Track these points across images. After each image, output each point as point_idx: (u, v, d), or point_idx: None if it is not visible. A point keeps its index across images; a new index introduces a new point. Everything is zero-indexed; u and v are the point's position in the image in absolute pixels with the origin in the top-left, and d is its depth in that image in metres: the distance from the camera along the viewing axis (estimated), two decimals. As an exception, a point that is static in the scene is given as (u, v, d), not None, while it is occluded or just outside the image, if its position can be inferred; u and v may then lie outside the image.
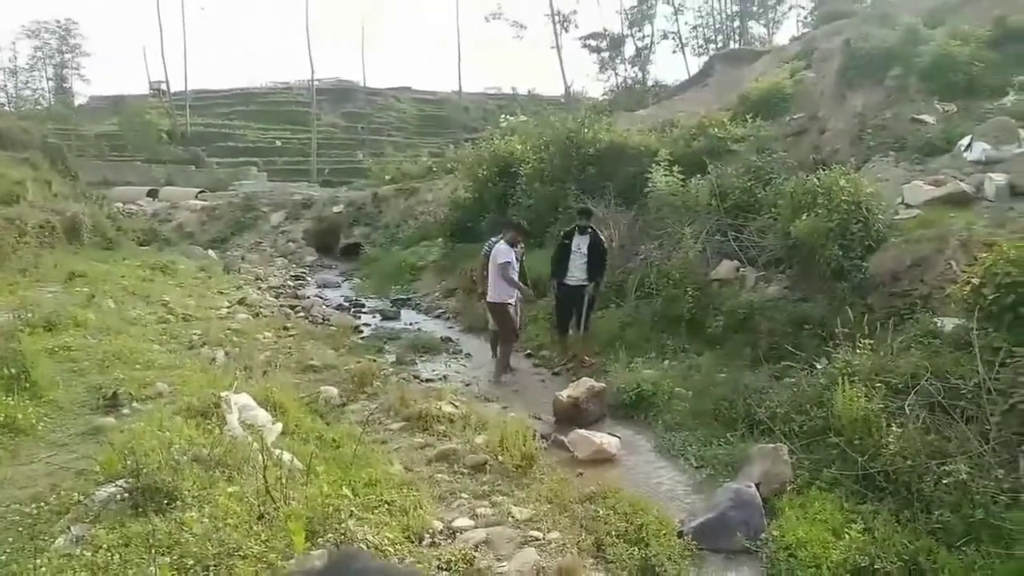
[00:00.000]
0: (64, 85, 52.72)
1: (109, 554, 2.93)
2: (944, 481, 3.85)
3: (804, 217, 7.09)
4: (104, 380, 5.87)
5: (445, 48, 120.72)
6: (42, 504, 3.51)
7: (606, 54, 44.02)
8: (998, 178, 7.40)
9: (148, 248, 16.92)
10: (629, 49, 43.98)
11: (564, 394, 6.42)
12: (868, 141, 10.11)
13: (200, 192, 27.68)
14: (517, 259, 8.11)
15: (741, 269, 8.25)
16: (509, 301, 8.02)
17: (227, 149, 39.42)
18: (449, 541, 3.81)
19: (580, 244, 8.07)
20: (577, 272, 8.02)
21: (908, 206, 7.73)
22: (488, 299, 8.18)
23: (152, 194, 27.12)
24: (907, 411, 4.52)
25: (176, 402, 5.23)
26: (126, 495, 3.46)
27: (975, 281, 5.14)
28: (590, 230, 8.18)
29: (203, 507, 3.32)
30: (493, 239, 8.49)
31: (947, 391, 4.54)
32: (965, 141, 8.66)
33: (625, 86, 42.32)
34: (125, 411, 5.34)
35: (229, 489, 3.53)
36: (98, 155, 32.92)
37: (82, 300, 8.83)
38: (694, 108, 15.87)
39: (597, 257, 8.06)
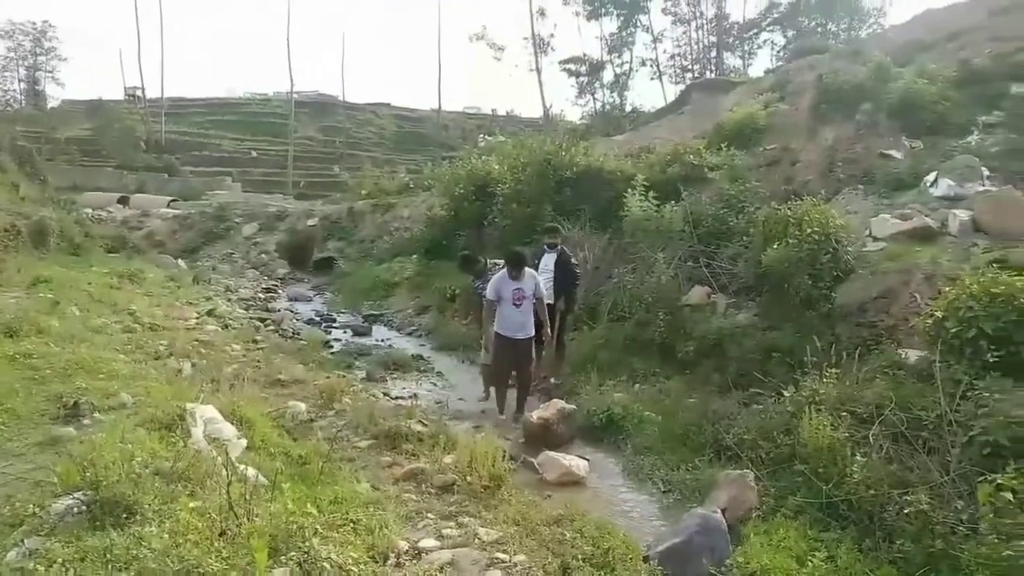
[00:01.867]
0: (37, 88, 51.91)
1: (64, 569, 2.84)
2: (906, 511, 3.91)
3: (775, 246, 7.20)
4: (66, 389, 5.72)
5: (426, 66, 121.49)
6: (-5, 516, 3.40)
7: (585, 79, 44.63)
8: (962, 214, 7.61)
9: (117, 256, 16.61)
10: (608, 75, 44.67)
11: (534, 415, 6.41)
12: (838, 174, 10.35)
13: (172, 200, 27.36)
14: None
15: (712, 295, 8.35)
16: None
17: (202, 158, 39.09)
18: (414, 562, 3.76)
19: (547, 262, 8.07)
20: (545, 291, 7.93)
21: (875, 239, 7.90)
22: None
23: (123, 201, 26.74)
24: (871, 441, 4.60)
25: (139, 413, 5.12)
26: (84, 508, 3.37)
27: (938, 314, 5.26)
28: (558, 248, 8.19)
29: (163, 522, 3.24)
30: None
31: (910, 422, 4.63)
32: (931, 177, 8.90)
33: (603, 111, 42.86)
34: (86, 422, 5.21)
35: (191, 504, 3.45)
36: (69, 159, 32.40)
37: (46, 307, 8.63)
38: (670, 135, 16.11)
39: (564, 274, 8.02)
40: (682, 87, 35.75)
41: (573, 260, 8.43)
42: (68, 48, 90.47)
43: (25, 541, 3.14)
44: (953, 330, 5.04)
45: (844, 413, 4.86)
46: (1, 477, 4.10)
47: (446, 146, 42.30)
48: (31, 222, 13.21)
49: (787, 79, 16.77)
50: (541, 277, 7.84)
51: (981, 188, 8.25)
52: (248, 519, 3.31)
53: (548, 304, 7.80)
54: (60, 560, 2.91)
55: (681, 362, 7.56)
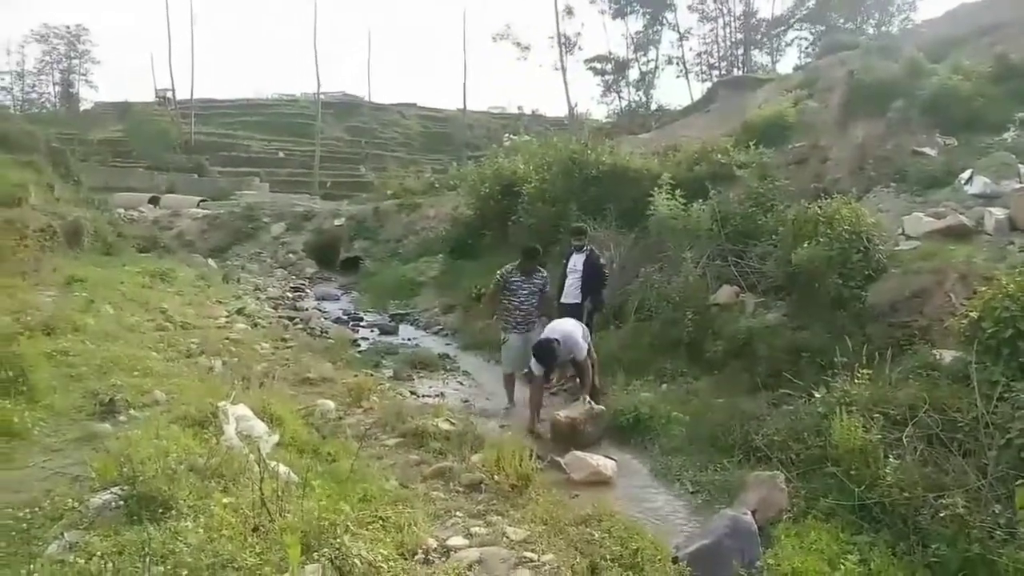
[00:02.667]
0: (71, 90, 53.05)
1: (102, 562, 2.90)
2: (941, 514, 3.83)
3: (805, 245, 7.12)
4: (101, 386, 5.85)
5: (451, 66, 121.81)
6: (36, 509, 3.48)
7: (610, 77, 44.52)
8: (998, 212, 7.45)
9: (148, 255, 16.91)
10: (633, 73, 44.50)
11: (562, 415, 6.40)
12: (869, 171, 10.19)
13: (202, 201, 27.76)
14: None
15: (741, 295, 8.26)
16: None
17: (230, 159, 39.65)
18: (443, 559, 3.78)
19: (576, 263, 7.99)
20: (572, 291, 7.92)
21: (908, 237, 7.77)
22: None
23: (154, 201, 27.20)
24: (905, 443, 4.51)
25: (173, 410, 5.22)
26: (121, 503, 3.44)
27: (974, 314, 5.16)
28: (587, 249, 8.11)
29: (198, 517, 3.30)
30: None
31: (945, 424, 4.54)
32: (966, 175, 8.73)
33: (628, 109, 42.68)
34: (122, 418, 5.32)
35: (224, 500, 3.51)
36: (101, 160, 33.03)
37: (81, 305, 8.82)
38: (697, 133, 15.98)
39: (593, 274, 7.92)
40: (709, 85, 35.54)
41: (601, 260, 8.37)
42: (101, 51, 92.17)
43: (65, 534, 3.21)
44: (989, 331, 4.93)
45: (876, 415, 4.77)
46: (40, 471, 4.21)
47: (471, 146, 42.44)
48: (66, 222, 13.49)
49: (816, 76, 16.57)
50: (569, 277, 7.88)
51: (1018, 186, 8.07)
52: (280, 515, 3.35)
53: (573, 305, 7.76)
54: (99, 553, 2.96)
55: (709, 362, 7.50)
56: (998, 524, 3.67)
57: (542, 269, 7.67)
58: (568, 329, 6.75)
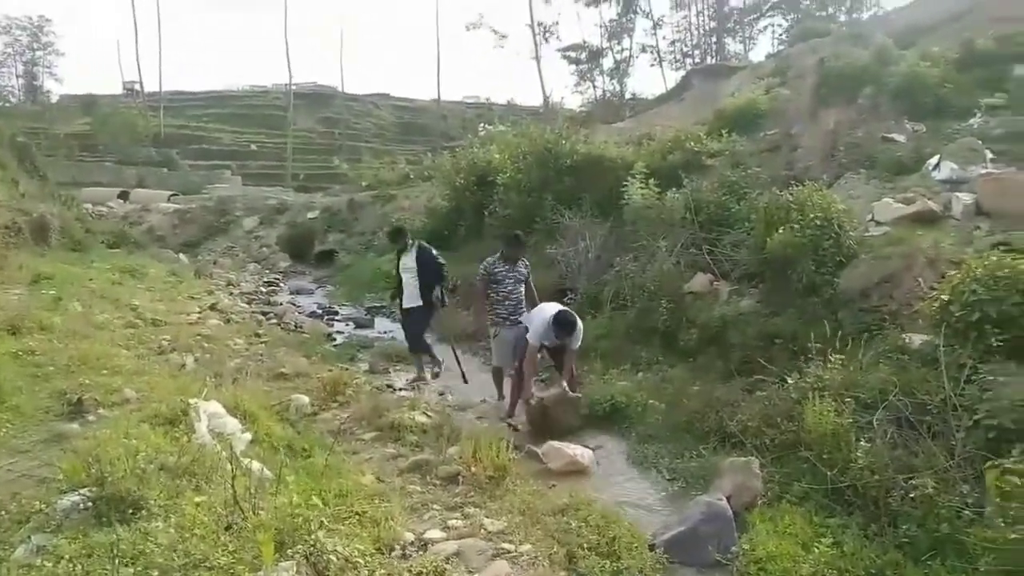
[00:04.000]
0: (34, 83, 51.83)
1: (71, 564, 2.84)
2: (911, 496, 3.90)
3: (777, 232, 7.17)
4: (69, 385, 5.72)
5: (424, 56, 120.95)
6: (2, 512, 3.41)
7: (585, 66, 44.49)
8: (965, 197, 7.57)
9: (118, 251, 16.61)
10: (608, 62, 44.51)
11: (534, 397, 6.36)
12: (840, 158, 10.28)
13: (172, 195, 27.34)
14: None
15: (715, 283, 8.31)
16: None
17: (201, 152, 39.03)
18: (420, 553, 3.77)
19: (407, 261, 8.10)
20: (412, 293, 8.04)
21: (878, 223, 7.86)
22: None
23: (123, 196, 26.74)
24: (875, 426, 4.58)
25: (143, 409, 5.12)
26: (89, 504, 3.37)
27: (944, 298, 5.24)
28: (414, 245, 8.21)
29: (169, 517, 3.25)
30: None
31: (914, 407, 4.61)
32: (933, 161, 8.85)
33: (603, 98, 42.71)
34: (90, 418, 5.22)
35: (196, 499, 3.46)
36: (68, 155, 32.35)
37: (48, 303, 8.64)
38: (671, 122, 16.05)
39: (429, 270, 7.97)
40: (683, 73, 35.64)
41: (434, 253, 8.14)
42: (65, 43, 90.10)
43: (32, 538, 3.15)
44: (958, 314, 5.01)
45: (848, 399, 4.83)
46: (6, 474, 4.11)
47: (446, 136, 42.19)
48: (32, 218, 13.19)
49: (788, 63, 16.72)
50: (404, 276, 8.13)
51: (984, 171, 8.20)
52: (254, 513, 3.31)
53: (416, 306, 8.02)
54: (67, 556, 2.91)
55: (684, 350, 7.55)
56: (966, 504, 3.74)
57: (524, 258, 7.43)
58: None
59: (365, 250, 19.16)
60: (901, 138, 10.21)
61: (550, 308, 6.57)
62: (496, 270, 7.13)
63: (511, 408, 6.73)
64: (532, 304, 7.22)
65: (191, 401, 4.78)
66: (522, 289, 7.23)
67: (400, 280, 8.07)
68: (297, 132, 42.72)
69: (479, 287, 7.29)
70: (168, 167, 34.63)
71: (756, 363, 6.21)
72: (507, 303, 7.11)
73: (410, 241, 8.26)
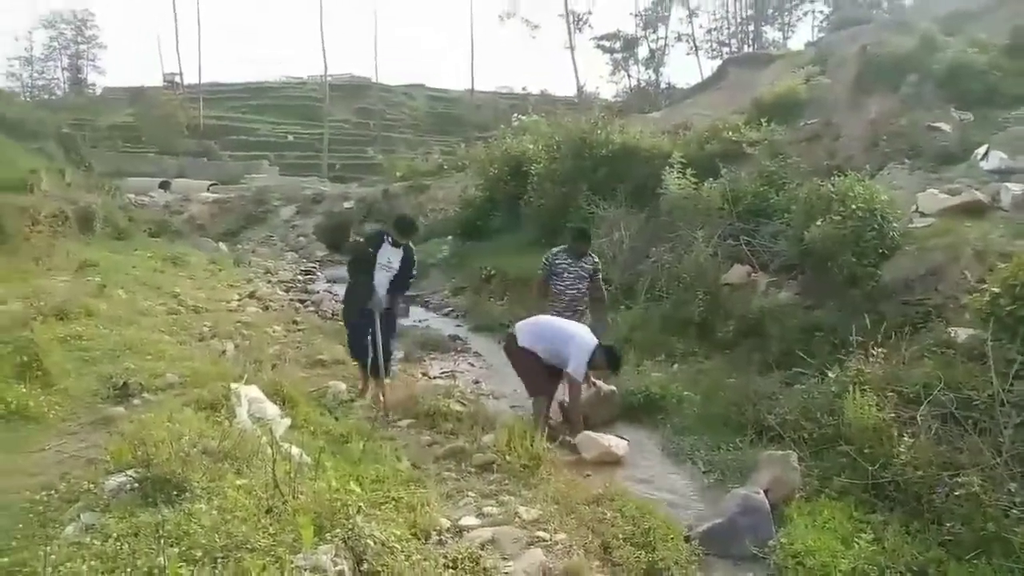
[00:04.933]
0: (79, 76, 53.05)
1: (119, 543, 2.92)
2: (956, 493, 3.81)
3: (818, 223, 7.04)
4: (115, 370, 5.89)
5: (458, 46, 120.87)
6: (52, 492, 3.52)
7: (619, 55, 44.11)
8: (1015, 188, 7.33)
9: (159, 240, 17.01)
10: (643, 51, 44.04)
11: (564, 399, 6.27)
12: (883, 148, 10.05)
13: (212, 185, 27.84)
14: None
15: (752, 274, 8.20)
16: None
17: (239, 143, 39.63)
18: (456, 539, 3.80)
19: (392, 258, 6.59)
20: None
21: (923, 214, 7.67)
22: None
23: (164, 186, 27.30)
24: (919, 421, 4.48)
25: (186, 393, 5.25)
26: (136, 485, 3.46)
27: (993, 291, 5.09)
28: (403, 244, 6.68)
29: (212, 499, 3.32)
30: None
31: (960, 402, 4.49)
32: (981, 150, 8.60)
33: (638, 88, 42.30)
34: (135, 401, 5.36)
35: (238, 482, 3.52)
36: (111, 146, 33.10)
37: (94, 290, 8.88)
38: (707, 111, 15.83)
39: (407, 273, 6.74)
40: (719, 62, 35.06)
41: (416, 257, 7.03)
42: (107, 36, 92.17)
43: (81, 516, 3.24)
44: (1008, 308, 4.86)
45: (890, 393, 4.73)
46: (56, 455, 4.25)
47: (480, 127, 42.14)
48: (77, 208, 13.56)
49: (828, 51, 16.33)
50: (379, 275, 6.59)
51: (1035, 161, 7.95)
52: (293, 496, 3.37)
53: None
54: (115, 535, 2.99)
55: (720, 342, 7.47)
56: (1014, 503, 3.64)
57: (592, 254, 7.04)
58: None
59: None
60: (947, 127, 9.94)
61: (587, 335, 5.93)
62: (558, 262, 6.81)
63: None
64: (598, 303, 6.92)
65: (232, 386, 4.87)
66: (583, 286, 6.83)
67: (363, 276, 6.53)
68: (333, 123, 43.11)
69: (539, 278, 6.98)
70: (207, 157, 35.26)
71: (795, 356, 6.12)
72: (563, 297, 6.78)
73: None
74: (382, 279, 6.50)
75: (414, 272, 6.95)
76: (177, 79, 46.55)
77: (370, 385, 6.58)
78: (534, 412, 5.89)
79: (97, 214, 14.19)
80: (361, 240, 6.62)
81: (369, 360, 6.38)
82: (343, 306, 6.75)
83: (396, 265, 6.54)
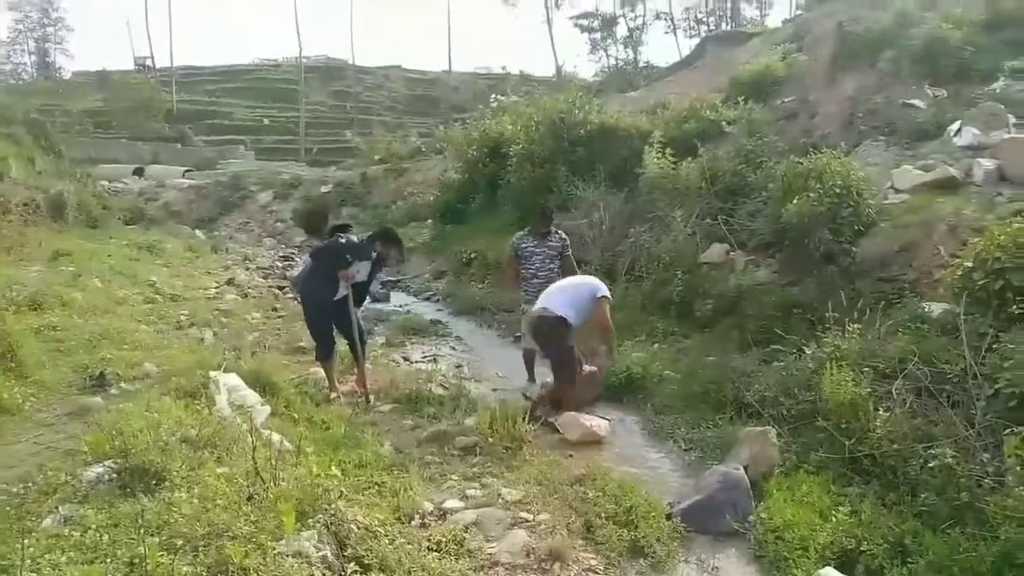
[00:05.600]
0: (46, 59, 51.89)
1: (98, 534, 2.91)
2: (930, 465, 3.88)
3: (795, 201, 7.09)
4: (91, 360, 5.83)
5: (435, 27, 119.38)
6: (29, 484, 3.49)
7: (598, 34, 43.89)
8: (987, 163, 7.43)
9: (134, 227, 16.78)
10: (621, 30, 43.87)
11: (549, 381, 6.31)
12: (859, 125, 10.11)
13: (187, 171, 27.43)
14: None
15: (731, 253, 8.26)
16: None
17: (214, 127, 39.01)
18: (439, 522, 3.81)
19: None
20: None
21: (897, 191, 7.75)
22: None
23: (138, 172, 26.84)
24: (894, 395, 4.55)
25: (164, 382, 5.21)
26: (114, 475, 3.44)
27: (966, 265, 5.17)
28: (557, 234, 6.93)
29: (192, 488, 3.30)
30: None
31: (934, 376, 4.57)
32: (955, 126, 8.68)
33: (616, 67, 42.16)
34: (113, 391, 5.32)
35: (218, 470, 3.51)
36: (82, 132, 32.45)
37: (67, 279, 8.76)
38: (685, 90, 15.79)
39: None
40: (697, 40, 35.04)
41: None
42: (74, 18, 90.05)
43: (60, 508, 3.21)
44: (980, 282, 4.95)
45: (866, 368, 4.80)
46: (32, 447, 4.20)
47: (458, 108, 41.85)
48: (48, 196, 13.32)
49: (805, 28, 16.36)
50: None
51: (1007, 136, 8.03)
52: (274, 483, 3.36)
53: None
54: (94, 526, 2.97)
55: (700, 321, 7.52)
56: (986, 472, 3.71)
57: (559, 231, 6.96)
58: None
59: (379, 224, 19.15)
60: (922, 104, 10.01)
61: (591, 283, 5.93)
62: (523, 246, 6.78)
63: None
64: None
65: (211, 374, 4.84)
66: (555, 266, 6.74)
67: (325, 273, 6.02)
68: (309, 106, 42.58)
69: (508, 263, 6.94)
70: (182, 143, 34.68)
71: (773, 333, 6.17)
72: (535, 280, 6.66)
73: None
74: (344, 285, 6.04)
75: (566, 252, 6.84)
76: (148, 62, 45.69)
77: (342, 382, 6.32)
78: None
79: (69, 202, 13.95)
80: (344, 241, 6.11)
81: (336, 352, 6.16)
82: (306, 304, 6.18)
83: (365, 275, 6.21)
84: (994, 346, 4.53)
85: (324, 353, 6.11)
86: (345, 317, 6.00)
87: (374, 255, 6.18)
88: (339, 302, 5.99)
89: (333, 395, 5.99)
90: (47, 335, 6.40)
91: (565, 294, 5.76)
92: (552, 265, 6.76)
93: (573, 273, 6.71)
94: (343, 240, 6.13)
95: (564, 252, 6.86)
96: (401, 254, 6.45)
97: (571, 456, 5.07)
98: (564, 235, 7.03)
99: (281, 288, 12.32)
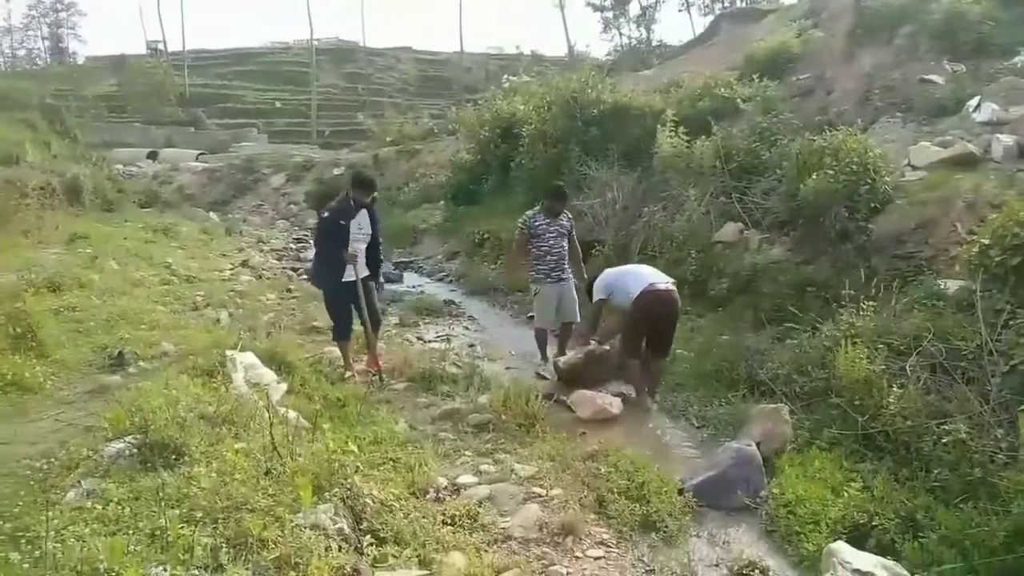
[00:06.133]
0: (60, 45, 52.08)
1: (120, 507, 2.98)
2: (943, 441, 3.87)
3: (810, 178, 7.02)
4: (109, 340, 5.92)
5: (446, 7, 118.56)
6: (52, 460, 3.56)
7: (610, 13, 43.32)
8: (1006, 139, 7.31)
9: (149, 210, 16.91)
10: (634, 8, 43.27)
11: (562, 361, 6.31)
12: (875, 102, 9.98)
13: (200, 154, 27.54)
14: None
15: (745, 231, 8.20)
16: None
17: (226, 110, 39.08)
18: (453, 497, 3.86)
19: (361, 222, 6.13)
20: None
21: (914, 168, 7.66)
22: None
23: (152, 156, 26.99)
24: (908, 372, 4.53)
25: (182, 361, 5.28)
26: (135, 451, 3.52)
27: (983, 242, 5.12)
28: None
29: (211, 463, 3.37)
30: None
31: (949, 353, 4.55)
32: (974, 102, 8.55)
33: (629, 46, 41.69)
34: (131, 370, 5.40)
35: (236, 445, 3.58)
36: (97, 116, 32.60)
37: (85, 261, 8.86)
38: (699, 68, 15.61)
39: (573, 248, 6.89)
40: (711, 18, 34.54)
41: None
42: (87, 3, 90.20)
43: (82, 482, 3.29)
44: (997, 258, 4.90)
45: (881, 345, 4.78)
46: (54, 424, 4.28)
47: (470, 89, 41.57)
48: (65, 179, 13.42)
49: (822, 4, 16.07)
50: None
51: (1027, 111, 7.90)
52: (291, 459, 3.42)
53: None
54: (116, 499, 3.04)
55: (713, 300, 7.50)
56: (1000, 448, 3.71)
57: (567, 212, 6.95)
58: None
59: (391, 205, 19.14)
60: (940, 79, 9.86)
61: (648, 274, 6.01)
62: (536, 224, 6.70)
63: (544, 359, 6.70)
64: (575, 261, 6.88)
65: (227, 353, 4.90)
66: (564, 244, 6.76)
67: (336, 248, 5.92)
68: (321, 88, 42.47)
69: (519, 241, 6.90)
70: (195, 126, 34.80)
71: (787, 311, 6.16)
72: (548, 259, 6.67)
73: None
74: (359, 249, 6.02)
75: (572, 232, 6.81)
76: (160, 47, 45.75)
77: (357, 361, 6.34)
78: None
79: (85, 186, 14.06)
80: (327, 214, 6.13)
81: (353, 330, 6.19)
82: (323, 283, 6.20)
83: (368, 229, 6.12)
84: (1010, 322, 4.51)
85: (340, 333, 6.17)
86: (358, 298, 5.97)
87: (352, 203, 6.05)
88: (352, 283, 5.95)
89: (348, 374, 6.02)
90: (66, 316, 6.50)
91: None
92: (563, 243, 6.76)
93: (577, 254, 6.90)
94: (325, 214, 6.18)
95: (571, 233, 6.89)
96: (367, 187, 6.26)
97: (584, 433, 5.11)
98: (571, 216, 7.08)
99: (295, 270, 12.39)
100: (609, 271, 6.34)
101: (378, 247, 6.30)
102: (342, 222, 5.94)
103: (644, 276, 5.91)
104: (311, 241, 17.05)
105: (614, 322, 6.34)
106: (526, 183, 12.95)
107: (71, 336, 5.96)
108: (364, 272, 6.04)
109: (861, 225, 6.73)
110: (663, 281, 5.83)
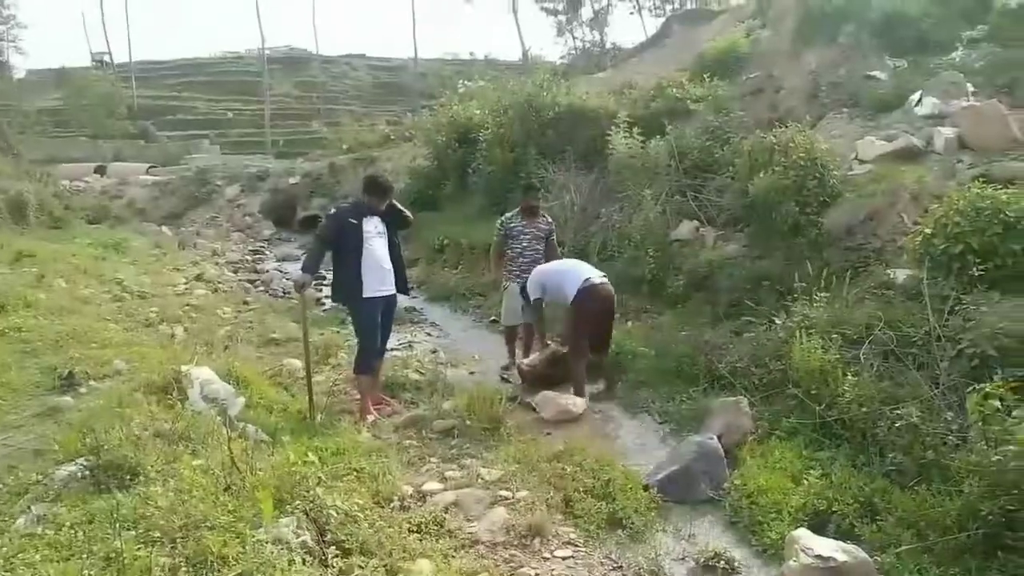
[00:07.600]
0: (0, 59, 50.37)
1: (72, 531, 2.89)
2: (897, 425, 3.97)
3: (761, 175, 7.16)
4: (59, 360, 5.73)
5: (399, 13, 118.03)
6: (0, 486, 3.44)
7: (563, 17, 43.70)
8: (947, 132, 7.55)
9: (99, 226, 16.47)
10: (586, 12, 43.72)
11: (524, 363, 6.36)
12: (823, 99, 10.22)
13: (151, 167, 26.92)
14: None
15: (701, 229, 8.32)
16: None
17: (177, 122, 38.27)
18: (419, 504, 3.84)
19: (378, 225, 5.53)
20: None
21: (861, 161, 7.85)
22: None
23: (100, 170, 26.27)
24: (862, 360, 4.66)
25: (135, 379, 5.14)
26: (87, 473, 3.41)
27: (927, 232, 5.28)
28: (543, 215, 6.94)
29: (167, 481, 3.28)
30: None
31: (899, 340, 4.69)
32: (915, 96, 8.80)
33: (583, 49, 42.08)
34: (83, 390, 5.24)
35: (194, 462, 3.49)
36: (41, 131, 31.65)
37: (31, 281, 8.57)
38: (652, 70, 15.85)
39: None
40: (662, 20, 35.03)
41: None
42: (28, 14, 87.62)
43: (32, 508, 3.18)
44: (941, 247, 5.06)
45: (834, 335, 4.89)
46: (2, 448, 4.13)
47: (425, 95, 41.39)
48: (8, 197, 13.03)
49: (768, 4, 16.41)
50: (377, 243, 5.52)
51: (966, 104, 8.17)
52: (251, 473, 3.35)
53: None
54: (68, 523, 2.95)
55: (672, 297, 7.59)
56: (950, 430, 3.82)
57: (546, 215, 7.01)
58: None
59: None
60: (883, 75, 10.13)
61: (584, 270, 6.04)
62: (512, 225, 6.75)
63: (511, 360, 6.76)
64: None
65: (182, 369, 4.79)
66: (541, 247, 6.75)
67: (353, 254, 5.28)
68: (274, 97, 41.95)
69: (496, 242, 6.92)
70: (144, 139, 34.00)
71: (744, 306, 6.28)
72: (520, 260, 6.69)
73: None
74: (378, 247, 5.37)
75: (407, 217, 5.72)
76: (106, 58, 44.59)
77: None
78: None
79: (30, 203, 13.65)
80: (333, 210, 5.64)
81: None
82: (346, 298, 5.49)
83: (382, 228, 5.45)
84: (956, 308, 4.66)
85: (363, 365, 5.35)
86: (389, 316, 5.48)
87: (368, 210, 5.40)
88: (375, 299, 5.33)
89: (369, 418, 5.23)
90: (12, 337, 6.28)
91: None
92: (538, 246, 6.75)
93: (556, 257, 6.82)
94: (333, 210, 5.86)
95: (550, 236, 6.88)
96: (384, 192, 5.46)
97: (549, 434, 5.12)
98: (551, 220, 7.08)
99: (252, 282, 12.19)
100: (539, 269, 6.32)
101: (398, 249, 5.65)
102: (352, 220, 5.27)
103: (579, 273, 5.95)
104: (268, 251, 16.86)
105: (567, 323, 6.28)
106: (484, 188, 12.96)
107: (17, 358, 5.77)
108: (390, 287, 5.45)
109: (812, 219, 6.87)
110: (597, 276, 5.91)
